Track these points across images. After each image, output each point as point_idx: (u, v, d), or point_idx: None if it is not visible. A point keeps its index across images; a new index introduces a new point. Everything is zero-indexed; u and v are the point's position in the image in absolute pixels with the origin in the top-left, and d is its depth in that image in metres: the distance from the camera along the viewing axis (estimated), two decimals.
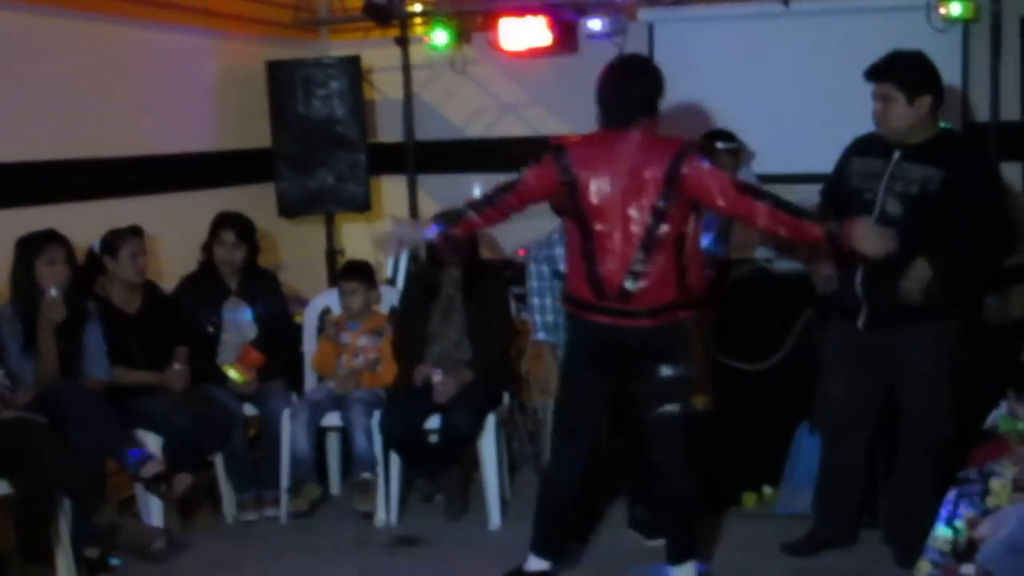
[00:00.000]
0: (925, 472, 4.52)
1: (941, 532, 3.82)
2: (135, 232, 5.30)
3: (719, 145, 5.66)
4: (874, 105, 4.37)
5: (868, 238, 3.95)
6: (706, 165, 4.05)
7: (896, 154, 4.37)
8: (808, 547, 4.79)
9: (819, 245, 4.29)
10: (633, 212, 4.07)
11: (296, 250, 7.05)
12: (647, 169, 4.04)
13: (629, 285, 4.11)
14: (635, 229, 4.08)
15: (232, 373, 5.51)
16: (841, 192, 4.53)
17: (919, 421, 4.51)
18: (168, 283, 5.73)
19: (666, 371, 4.19)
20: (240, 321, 5.71)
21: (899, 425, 4.61)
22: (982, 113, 6.02)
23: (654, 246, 4.07)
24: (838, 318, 4.60)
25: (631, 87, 4.19)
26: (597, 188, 4.11)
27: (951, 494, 3.84)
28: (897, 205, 4.32)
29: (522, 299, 5.81)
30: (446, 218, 4.38)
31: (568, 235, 4.29)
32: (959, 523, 3.77)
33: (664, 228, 4.06)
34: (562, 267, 4.71)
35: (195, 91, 6.52)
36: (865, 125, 4.47)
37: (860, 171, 4.47)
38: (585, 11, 6.64)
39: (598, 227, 4.14)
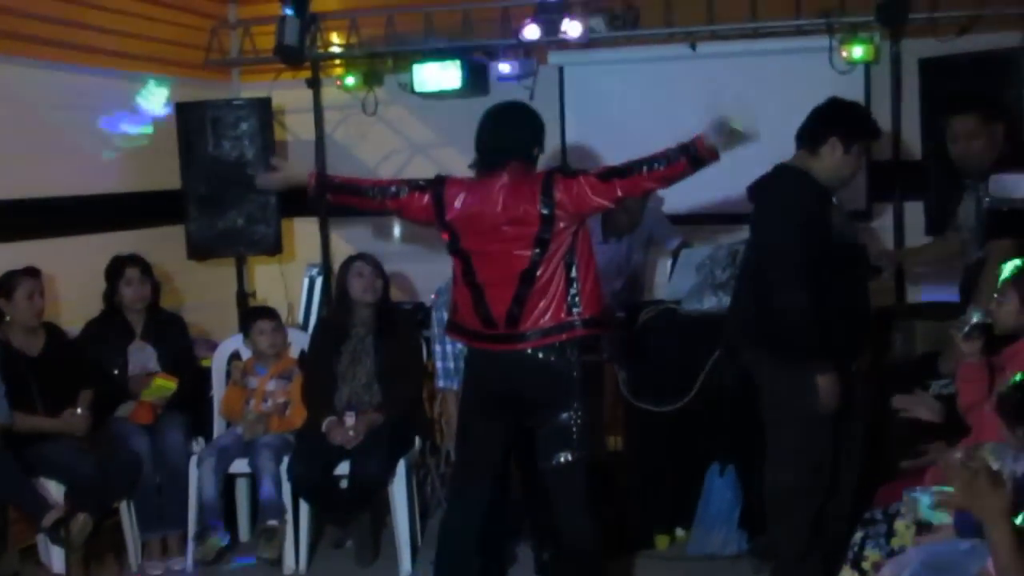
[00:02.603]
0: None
1: (847, 574, 3.84)
2: (31, 273, 5.23)
3: None
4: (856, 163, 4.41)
5: (715, 134, 3.97)
6: (571, 180, 4.11)
7: (835, 199, 4.44)
8: None
9: None
10: (513, 246, 4.14)
11: (206, 292, 6.97)
12: (520, 205, 4.12)
13: (516, 311, 4.15)
14: (517, 261, 4.14)
15: (159, 382, 5.47)
16: (836, 247, 4.40)
17: (859, 450, 4.60)
18: (75, 327, 5.65)
19: (563, 416, 4.18)
20: (146, 362, 5.64)
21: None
22: (884, 152, 6.11)
23: (539, 273, 4.13)
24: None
25: (502, 133, 4.27)
26: (472, 226, 4.20)
27: (857, 535, 3.85)
28: None
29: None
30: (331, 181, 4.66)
31: (454, 269, 4.34)
32: (865, 565, 3.79)
33: (548, 255, 4.12)
34: None
35: (103, 132, 6.43)
36: (768, 163, 4.50)
37: (841, 223, 4.43)
38: (495, 54, 6.67)
39: (479, 262, 4.22)
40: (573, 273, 4.15)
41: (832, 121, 4.37)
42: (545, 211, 4.09)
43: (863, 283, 4.54)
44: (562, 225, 4.11)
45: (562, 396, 4.18)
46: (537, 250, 4.12)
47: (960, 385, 4.14)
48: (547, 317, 4.15)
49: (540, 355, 4.16)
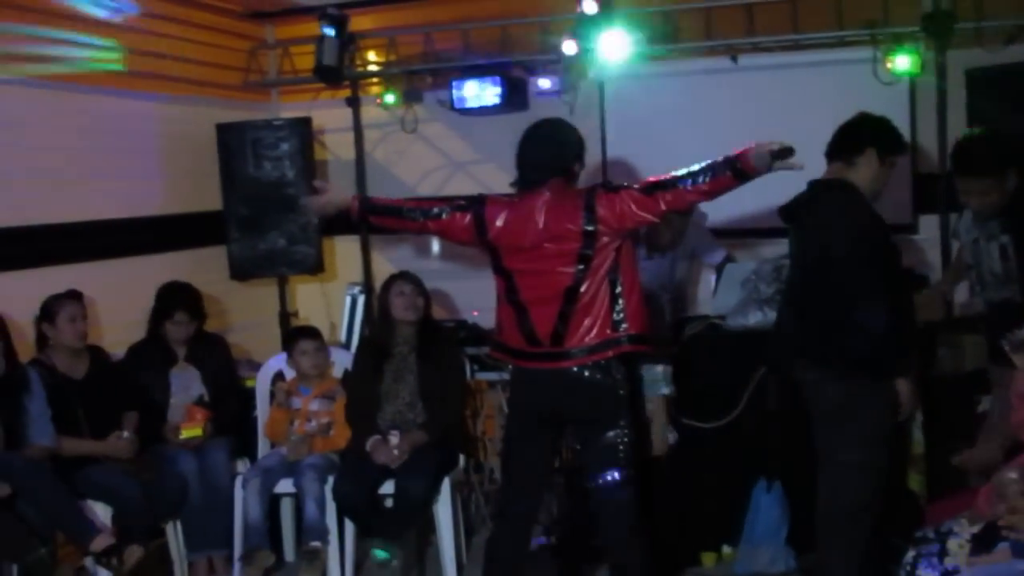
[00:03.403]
0: None
1: None
2: (73, 296, 5.25)
3: None
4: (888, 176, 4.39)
5: (763, 156, 3.92)
6: (614, 195, 4.07)
7: None
8: None
9: None
10: (556, 263, 4.11)
11: (248, 312, 6.98)
12: (562, 222, 4.09)
13: (561, 329, 4.13)
14: (561, 278, 4.11)
15: (185, 435, 5.46)
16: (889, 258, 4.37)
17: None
18: (119, 350, 5.67)
19: (610, 434, 4.14)
20: (189, 385, 5.66)
21: None
22: (930, 165, 6.06)
23: (583, 290, 4.10)
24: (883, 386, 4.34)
25: (543, 150, 4.23)
26: (514, 245, 4.19)
27: (909, 555, 3.79)
28: None
29: (476, 360, 5.78)
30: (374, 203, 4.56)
31: (496, 288, 4.32)
32: None
33: (591, 271, 4.09)
34: None
35: (144, 155, 6.46)
36: (814, 176, 4.45)
37: None
38: (535, 69, 6.65)
39: (522, 281, 4.20)
40: (618, 289, 4.11)
41: (868, 133, 4.36)
42: (588, 227, 4.06)
43: (910, 294, 4.50)
44: (605, 240, 4.08)
45: (608, 414, 4.15)
46: (580, 267, 4.09)
47: (1015, 401, 4.08)
48: (592, 334, 4.12)
49: (586, 373, 4.13)
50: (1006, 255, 4.59)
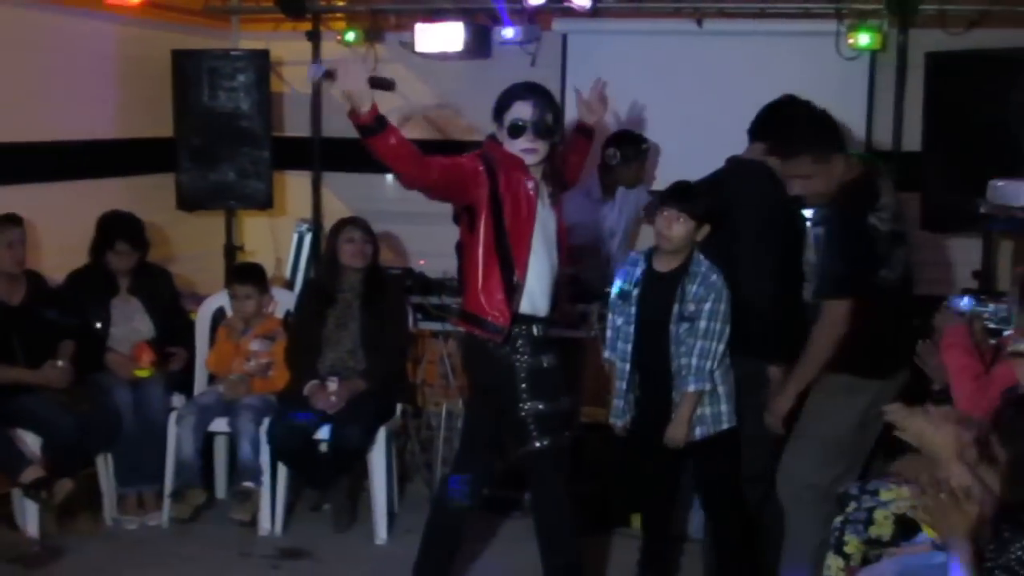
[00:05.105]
0: None
1: (833, 561, 3.83)
2: (12, 221, 5.16)
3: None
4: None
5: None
6: None
7: None
8: None
9: None
10: None
11: (194, 243, 6.89)
12: None
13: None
14: None
15: (137, 373, 5.44)
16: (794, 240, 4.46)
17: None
18: (60, 275, 5.59)
19: (514, 412, 4.04)
20: (131, 316, 5.60)
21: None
22: (885, 142, 6.08)
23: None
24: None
25: None
26: None
27: (836, 520, 3.85)
28: None
29: (420, 308, 5.73)
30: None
31: None
32: (848, 549, 3.79)
33: (461, 234, 4.11)
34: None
35: (96, 77, 6.33)
36: None
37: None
38: (500, 18, 6.58)
39: None
40: (466, 260, 4.06)
41: (803, 137, 4.08)
42: None
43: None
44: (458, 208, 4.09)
45: (506, 389, 4.06)
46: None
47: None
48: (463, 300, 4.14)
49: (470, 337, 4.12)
50: (818, 241, 4.19)
